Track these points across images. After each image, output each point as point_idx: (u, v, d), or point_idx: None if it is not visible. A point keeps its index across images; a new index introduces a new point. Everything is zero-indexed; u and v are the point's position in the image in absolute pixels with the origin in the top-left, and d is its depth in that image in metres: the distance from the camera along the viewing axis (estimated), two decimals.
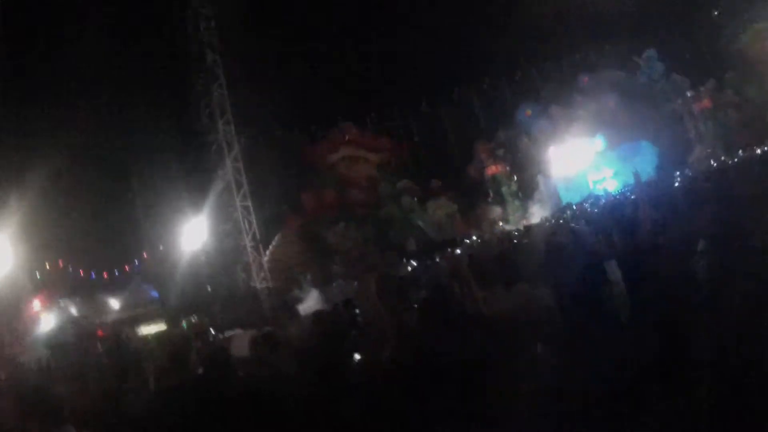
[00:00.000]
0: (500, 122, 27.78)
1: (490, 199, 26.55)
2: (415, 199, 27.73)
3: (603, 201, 22.03)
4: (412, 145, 28.73)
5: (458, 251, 19.18)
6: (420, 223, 27.80)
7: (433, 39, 27.41)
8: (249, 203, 21.96)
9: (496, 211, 26.63)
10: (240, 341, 5.96)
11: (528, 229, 18.05)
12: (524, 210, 26.34)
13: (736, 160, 21.80)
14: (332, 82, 29.65)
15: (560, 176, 26.31)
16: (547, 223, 21.60)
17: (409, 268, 21.25)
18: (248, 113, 23.97)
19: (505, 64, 27.46)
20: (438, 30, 27.79)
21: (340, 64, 29.57)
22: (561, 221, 18.95)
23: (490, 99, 27.71)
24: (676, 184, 13.15)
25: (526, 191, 26.54)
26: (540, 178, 26.40)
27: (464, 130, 27.91)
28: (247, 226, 22.45)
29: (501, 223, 26.23)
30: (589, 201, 24.62)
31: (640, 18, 27.48)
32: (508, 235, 16.95)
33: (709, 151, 26.30)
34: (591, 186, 26.54)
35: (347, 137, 29.17)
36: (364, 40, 29.29)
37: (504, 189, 26.36)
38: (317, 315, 5.26)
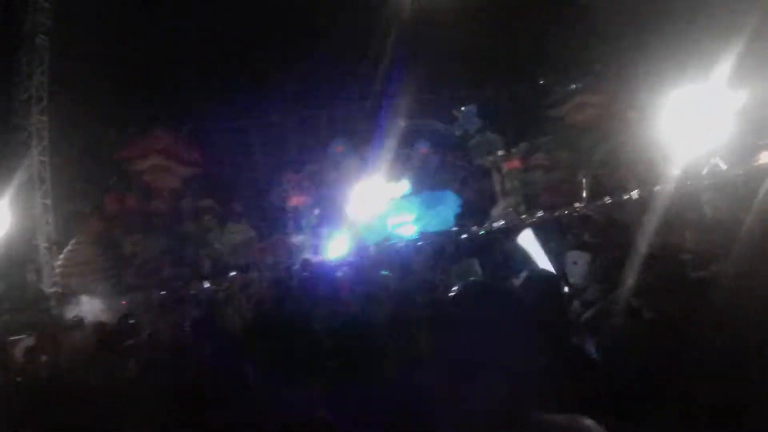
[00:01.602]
0: (311, 154, 27.62)
1: (288, 230, 26.15)
2: (215, 219, 27.09)
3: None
4: (221, 163, 28.17)
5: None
6: (217, 244, 27.21)
7: (252, 62, 27.22)
8: (49, 201, 20.91)
9: (295, 242, 26.29)
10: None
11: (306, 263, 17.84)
12: (322, 244, 26.16)
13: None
14: (157, 85, 28.71)
15: (362, 215, 26.33)
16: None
17: (206, 286, 21.12)
18: (67, 106, 22.87)
19: (325, 97, 27.32)
20: (262, 55, 27.70)
21: (167, 68, 28.63)
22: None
23: (305, 130, 27.55)
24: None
25: (327, 226, 26.39)
26: (342, 215, 26.33)
27: (274, 156, 27.59)
28: (43, 225, 21.35)
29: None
30: (382, 244, 24.98)
31: (465, 72, 28.30)
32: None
33: (510, 209, 27.04)
34: (390, 228, 26.69)
35: (159, 146, 28.32)
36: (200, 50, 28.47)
37: (304, 221, 26.11)
38: (98, 327, 5.35)
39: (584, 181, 27.85)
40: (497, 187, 28.69)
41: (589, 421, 1.84)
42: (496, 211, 27.79)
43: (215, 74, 29.44)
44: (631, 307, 3.11)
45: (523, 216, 25.66)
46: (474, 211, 27.41)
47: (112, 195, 27.92)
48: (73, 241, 25.13)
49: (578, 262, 5.04)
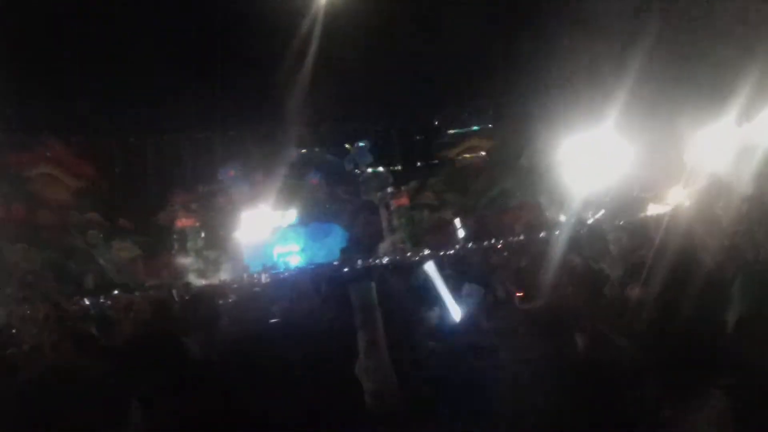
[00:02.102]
0: (202, 176, 27.84)
1: (173, 251, 26.28)
2: (101, 235, 26.91)
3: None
4: (111, 177, 28.04)
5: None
6: (102, 261, 27.04)
7: (152, 79, 27.26)
8: None
9: (179, 263, 26.43)
10: None
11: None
12: (207, 267, 26.42)
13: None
14: (53, 91, 28.33)
15: (248, 242, 26.77)
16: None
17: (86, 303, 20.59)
18: None
19: (220, 120, 27.61)
20: (164, 72, 27.71)
21: (65, 74, 28.32)
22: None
23: (198, 151, 27.77)
24: None
25: (212, 250, 26.68)
26: (229, 240, 26.70)
27: (165, 175, 27.65)
28: None
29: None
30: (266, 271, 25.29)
31: (361, 107, 29.06)
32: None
33: (398, 245, 27.91)
34: (276, 257, 27.17)
35: (49, 153, 27.92)
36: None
37: (190, 243, 26.32)
38: None
39: (466, 222, 29.13)
40: (384, 223, 29.69)
41: None
42: (382, 247, 28.75)
43: (112, 86, 29.33)
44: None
45: (409, 253, 26.51)
46: (360, 245, 28.23)
47: None
48: None
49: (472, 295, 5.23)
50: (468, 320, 4.24)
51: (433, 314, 4.46)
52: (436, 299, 4.61)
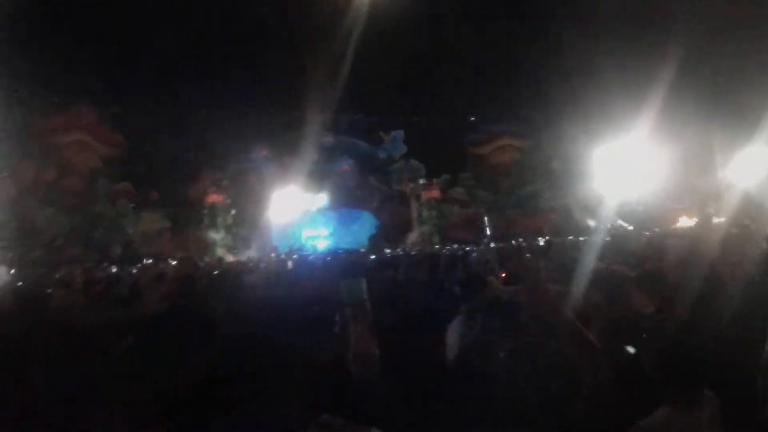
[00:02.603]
0: (234, 154, 27.94)
1: (202, 226, 26.37)
2: (131, 205, 27.06)
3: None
4: (143, 149, 28.15)
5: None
6: (129, 230, 27.17)
7: (190, 57, 27.54)
8: None
9: (207, 238, 26.53)
10: None
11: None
12: (234, 244, 26.51)
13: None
14: (91, 60, 28.58)
15: (277, 223, 26.84)
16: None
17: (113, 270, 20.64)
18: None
19: (255, 101, 27.77)
20: (202, 51, 27.97)
21: (105, 46, 28.59)
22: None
23: (230, 130, 27.87)
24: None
25: (241, 227, 26.76)
26: (257, 220, 26.78)
27: (196, 151, 27.78)
28: None
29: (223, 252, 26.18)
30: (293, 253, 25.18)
31: (398, 98, 29.14)
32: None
33: (423, 238, 27.90)
34: (303, 240, 27.21)
35: (83, 122, 28.08)
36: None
37: (219, 220, 26.41)
38: None
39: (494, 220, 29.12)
40: (414, 215, 29.70)
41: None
42: (411, 238, 28.78)
43: (152, 61, 29.56)
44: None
45: (436, 246, 26.50)
46: (388, 234, 28.26)
47: (27, 164, 27.45)
48: None
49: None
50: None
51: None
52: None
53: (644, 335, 2.84)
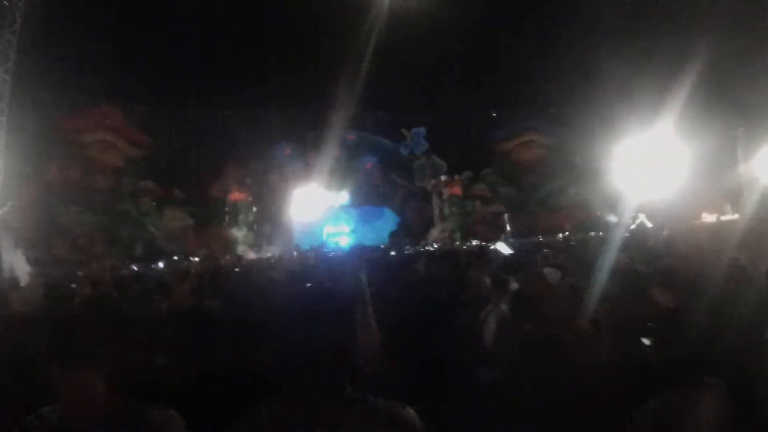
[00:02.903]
0: (256, 152, 28.11)
1: (225, 223, 26.59)
2: (154, 203, 27.36)
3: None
4: (165, 147, 28.45)
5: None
6: (152, 228, 27.46)
7: (212, 56, 27.74)
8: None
9: (230, 236, 26.76)
10: None
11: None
12: (256, 242, 26.73)
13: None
14: (115, 60, 28.85)
15: (299, 220, 26.98)
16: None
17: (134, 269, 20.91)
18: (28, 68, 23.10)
19: (278, 98, 27.85)
20: (223, 50, 28.14)
21: (128, 46, 28.87)
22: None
23: (255, 127, 28.04)
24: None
25: (263, 225, 26.97)
26: (279, 217, 26.96)
27: (219, 149, 27.98)
28: None
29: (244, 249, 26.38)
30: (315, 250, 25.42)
31: (420, 95, 29.08)
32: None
33: (446, 233, 27.87)
34: (325, 237, 27.32)
35: (108, 120, 28.44)
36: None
37: (241, 217, 26.63)
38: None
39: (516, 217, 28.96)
40: (436, 211, 29.68)
41: (409, 410, 1.97)
42: (433, 234, 28.75)
43: (172, 62, 29.79)
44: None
45: (457, 243, 26.47)
46: (410, 231, 28.26)
47: (53, 163, 27.85)
48: (8, 204, 25.00)
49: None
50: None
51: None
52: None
53: (656, 326, 2.89)
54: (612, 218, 26.07)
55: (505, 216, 29.28)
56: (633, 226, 22.72)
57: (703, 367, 2.38)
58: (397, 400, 1.99)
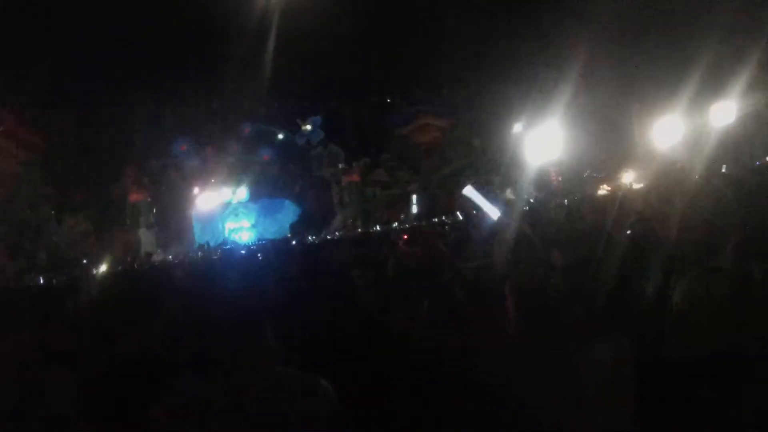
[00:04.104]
0: (154, 150, 28.32)
1: (126, 226, 26.92)
2: (53, 210, 27.42)
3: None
4: (63, 149, 28.40)
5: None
6: (54, 236, 27.57)
7: (104, 52, 27.52)
8: None
9: (132, 238, 27.12)
10: None
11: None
12: (156, 242, 27.17)
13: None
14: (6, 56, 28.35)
15: (198, 217, 27.50)
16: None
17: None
18: None
19: (171, 94, 28.01)
20: (117, 46, 27.95)
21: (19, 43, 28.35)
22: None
23: (150, 125, 28.21)
24: None
25: (163, 224, 27.41)
26: (181, 215, 27.42)
27: (116, 149, 28.08)
28: None
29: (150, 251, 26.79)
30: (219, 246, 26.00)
31: (313, 83, 29.53)
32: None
33: (350, 221, 28.75)
34: (227, 232, 27.90)
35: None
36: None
37: (142, 218, 27.02)
38: None
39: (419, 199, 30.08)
40: (335, 200, 30.57)
41: (322, 380, 2.08)
42: (334, 223, 29.63)
43: (65, 58, 29.43)
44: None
45: (359, 230, 27.46)
46: (311, 221, 29.05)
47: None
48: None
49: None
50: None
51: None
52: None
53: (556, 283, 3.35)
54: (511, 196, 27.43)
55: (413, 198, 30.33)
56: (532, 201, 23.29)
57: (602, 318, 2.80)
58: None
